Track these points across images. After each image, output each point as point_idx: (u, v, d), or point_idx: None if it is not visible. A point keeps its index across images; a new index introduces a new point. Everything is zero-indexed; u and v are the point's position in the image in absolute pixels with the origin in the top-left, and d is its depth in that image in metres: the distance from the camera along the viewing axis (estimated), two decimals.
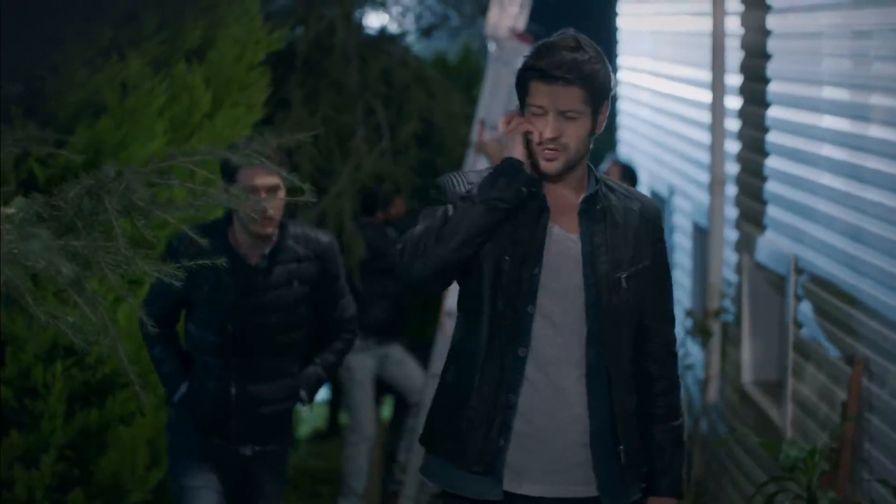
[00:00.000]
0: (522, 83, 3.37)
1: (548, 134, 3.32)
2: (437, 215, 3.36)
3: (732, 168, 6.82)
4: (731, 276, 6.81)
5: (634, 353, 3.50)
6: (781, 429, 5.88)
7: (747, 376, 6.58)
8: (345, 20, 7.82)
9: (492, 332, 3.40)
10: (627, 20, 10.00)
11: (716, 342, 6.92)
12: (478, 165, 6.73)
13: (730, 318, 6.81)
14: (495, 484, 3.41)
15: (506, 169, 3.35)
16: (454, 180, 3.45)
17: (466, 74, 9.09)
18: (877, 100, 4.94)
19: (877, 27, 4.96)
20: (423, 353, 7.26)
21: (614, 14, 10.17)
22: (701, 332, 6.93)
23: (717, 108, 6.77)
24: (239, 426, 4.52)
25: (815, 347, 5.55)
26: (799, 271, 5.77)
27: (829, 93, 5.45)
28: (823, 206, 5.48)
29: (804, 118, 5.74)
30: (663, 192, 8.52)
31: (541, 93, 3.33)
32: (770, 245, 6.18)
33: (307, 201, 3.30)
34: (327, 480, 7.82)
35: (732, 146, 6.81)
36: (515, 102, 3.47)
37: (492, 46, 7.36)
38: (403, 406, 7.49)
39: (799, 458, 4.78)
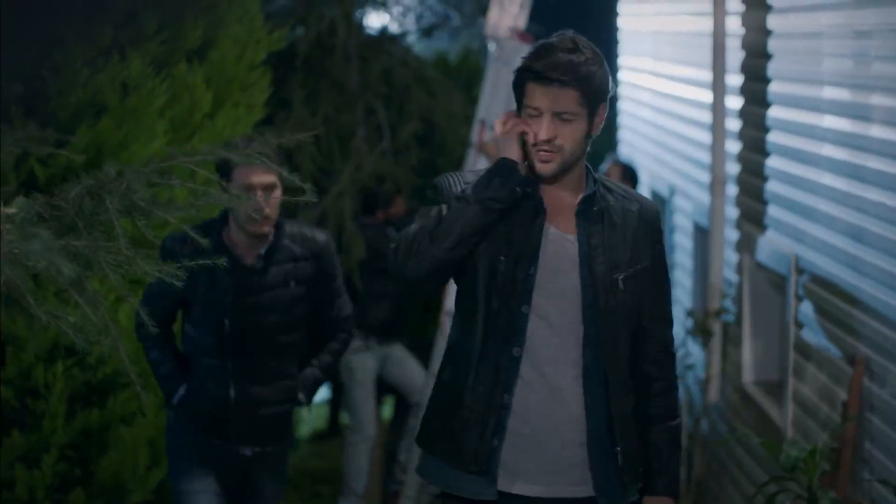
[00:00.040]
0: (519, 84, 3.37)
1: (542, 135, 3.33)
2: (431, 215, 3.37)
3: (733, 168, 6.82)
4: (732, 276, 6.81)
5: (632, 354, 3.50)
6: (782, 429, 5.88)
7: (748, 376, 6.58)
8: (345, 20, 7.82)
9: (486, 332, 3.40)
10: (628, 20, 10.00)
11: (716, 342, 6.92)
12: (478, 165, 6.73)
13: (730, 318, 6.81)
14: (490, 484, 3.42)
15: (500, 169, 3.35)
16: (451, 180, 3.45)
17: (467, 74, 9.08)
18: (877, 100, 4.94)
19: (877, 27, 4.96)
20: (423, 353, 7.26)
21: (615, 14, 10.16)
22: (702, 332, 6.93)
23: (717, 108, 6.77)
24: (238, 427, 4.50)
25: (816, 347, 5.55)
26: (800, 271, 5.77)
27: (830, 93, 5.45)
28: (824, 206, 5.48)
29: (805, 118, 5.74)
30: (664, 191, 8.52)
31: (537, 94, 3.33)
32: (771, 245, 6.17)
33: (308, 201, 3.30)
34: (328, 480, 7.82)
35: (733, 146, 6.81)
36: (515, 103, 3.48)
37: (492, 46, 7.35)
38: (404, 406, 7.49)
39: (800, 458, 4.78)
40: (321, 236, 4.60)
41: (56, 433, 5.16)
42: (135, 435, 5.29)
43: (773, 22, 6.20)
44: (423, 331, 7.97)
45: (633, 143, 9.72)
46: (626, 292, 3.41)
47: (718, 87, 6.76)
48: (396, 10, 8.62)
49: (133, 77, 5.36)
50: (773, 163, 6.20)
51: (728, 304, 6.85)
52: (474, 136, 7.20)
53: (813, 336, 5.59)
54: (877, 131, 4.93)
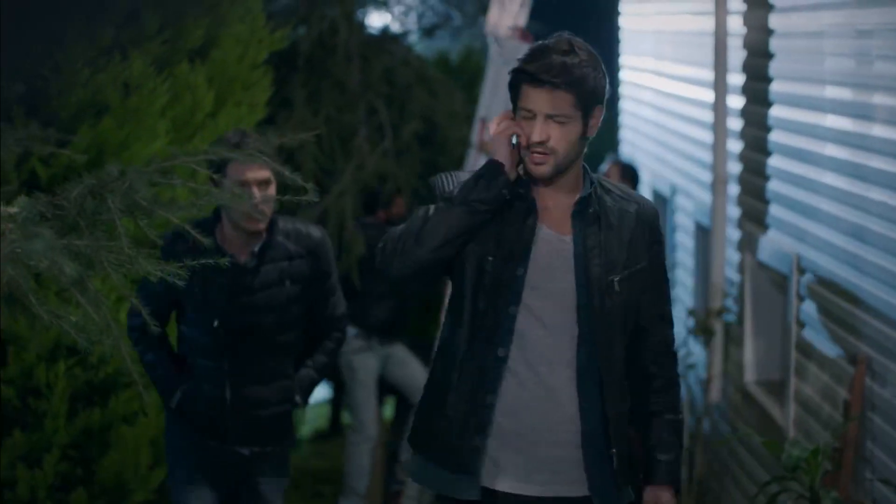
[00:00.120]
0: (514, 86, 3.37)
1: (535, 138, 3.32)
2: (418, 215, 3.38)
3: (735, 167, 6.82)
4: (734, 276, 6.81)
5: (632, 353, 3.51)
6: (784, 428, 5.88)
7: (750, 376, 6.58)
8: (347, 20, 7.82)
9: (472, 332, 3.41)
10: (630, 19, 10.00)
11: (718, 342, 6.91)
12: (479, 165, 6.72)
13: (732, 317, 6.81)
14: (472, 483, 3.42)
15: (486, 171, 3.36)
16: (444, 180, 3.46)
17: (468, 74, 9.07)
18: (879, 99, 4.94)
19: (879, 26, 4.96)
20: (425, 352, 7.25)
21: (616, 13, 10.16)
22: (703, 331, 6.93)
23: (719, 108, 6.77)
24: (235, 428, 4.44)
25: (818, 347, 5.55)
26: (801, 271, 5.77)
27: (832, 92, 5.44)
28: (826, 205, 5.48)
29: (806, 117, 5.74)
30: (665, 191, 8.52)
31: (530, 96, 3.33)
32: (772, 244, 6.17)
33: (310, 201, 3.30)
34: (329, 480, 7.82)
35: (735, 145, 6.80)
36: None
37: (492, 45, 7.35)
38: (406, 406, 7.48)
39: (801, 457, 4.78)
40: (316, 232, 4.51)
41: (58, 433, 5.15)
42: (136, 434, 5.29)
43: (774, 21, 6.20)
44: (424, 330, 7.97)
45: (634, 142, 9.72)
46: (621, 293, 3.41)
47: (720, 87, 6.76)
48: (398, 9, 8.62)
49: (135, 77, 5.36)
50: (774, 162, 6.20)
51: (730, 303, 6.85)
52: (475, 135, 7.20)
53: (815, 335, 5.59)
54: (878, 130, 4.93)
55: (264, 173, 4.24)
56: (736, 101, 6.76)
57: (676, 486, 3.52)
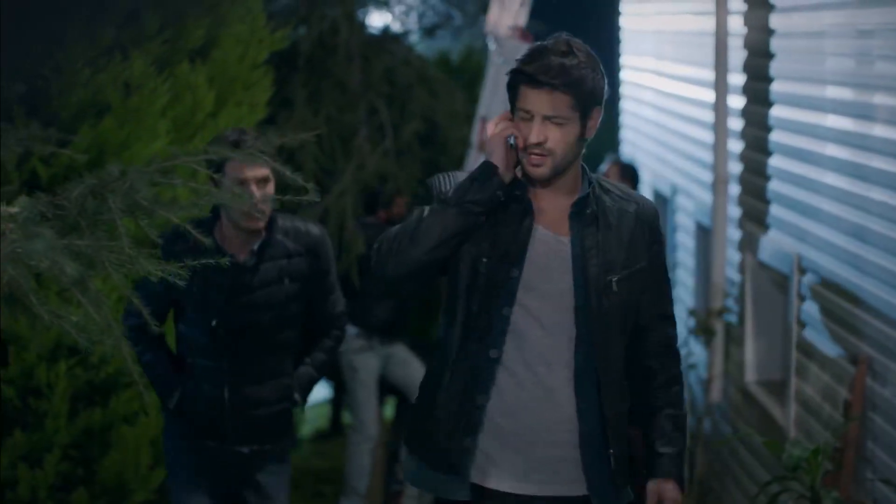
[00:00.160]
0: (512, 86, 3.37)
1: (532, 139, 3.32)
2: (413, 216, 3.38)
3: (735, 167, 6.82)
4: (735, 276, 6.81)
5: (633, 352, 3.50)
6: (785, 428, 5.88)
7: (750, 376, 6.58)
8: (348, 19, 7.82)
9: (465, 333, 3.41)
10: (630, 19, 10.00)
11: (719, 342, 6.91)
12: (478, 165, 6.71)
13: (733, 317, 6.81)
14: (461, 484, 3.42)
15: (481, 173, 3.35)
16: (442, 180, 3.46)
17: (469, 74, 9.07)
18: (880, 99, 4.93)
19: (880, 26, 4.96)
20: (425, 353, 7.25)
21: (617, 13, 10.16)
22: (704, 331, 6.93)
23: (720, 108, 6.76)
24: (234, 428, 4.42)
25: (819, 347, 5.54)
26: (802, 271, 5.76)
27: (833, 92, 5.44)
28: (827, 205, 5.48)
29: (807, 117, 5.74)
30: (666, 191, 8.52)
31: (528, 97, 3.32)
32: (773, 244, 6.17)
33: (310, 200, 3.30)
34: (330, 480, 7.82)
35: (735, 145, 6.80)
36: None
37: (492, 44, 7.35)
38: (406, 406, 7.48)
39: (802, 457, 4.78)
40: (315, 230, 4.48)
41: (58, 433, 5.15)
42: (137, 434, 5.29)
43: (775, 21, 6.20)
44: (424, 330, 7.97)
45: (635, 142, 9.72)
46: (619, 294, 3.41)
47: (721, 87, 6.76)
48: (398, 9, 8.61)
49: (135, 76, 5.36)
50: (775, 162, 6.20)
51: (730, 303, 6.85)
52: (475, 135, 7.20)
53: (815, 335, 5.59)
54: (879, 130, 4.93)
55: (263, 171, 4.22)
56: (737, 101, 6.76)
57: (680, 479, 3.50)
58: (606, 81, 3.39)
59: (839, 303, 5.29)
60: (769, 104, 6.25)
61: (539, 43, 3.39)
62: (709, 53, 6.88)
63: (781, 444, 5.06)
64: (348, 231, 7.34)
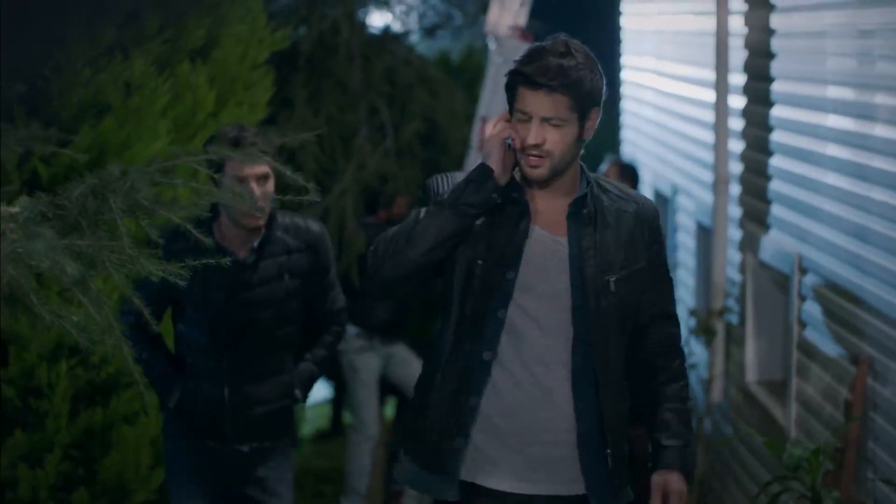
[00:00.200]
0: (510, 88, 3.36)
1: (530, 141, 3.32)
2: (409, 218, 3.38)
3: (736, 167, 6.82)
4: (735, 276, 6.80)
5: (636, 351, 3.50)
6: (785, 428, 5.87)
7: (751, 376, 6.58)
8: (348, 19, 7.82)
9: (458, 335, 3.41)
10: (631, 19, 10.00)
11: (719, 342, 6.91)
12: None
13: (734, 317, 6.81)
14: (451, 484, 3.43)
15: (476, 175, 3.35)
16: (439, 181, 3.46)
17: (470, 74, 9.07)
18: (881, 99, 4.93)
19: (881, 26, 4.96)
20: (426, 353, 7.25)
21: (618, 13, 10.16)
22: (705, 331, 6.92)
23: (720, 108, 6.76)
24: (234, 427, 4.41)
25: (820, 347, 5.54)
26: (803, 271, 5.76)
27: (833, 92, 5.44)
28: (828, 205, 5.47)
29: (808, 117, 5.73)
30: (667, 191, 8.52)
31: (526, 99, 3.32)
32: (774, 244, 6.17)
33: (311, 200, 3.30)
34: (330, 480, 7.82)
35: (736, 145, 6.80)
36: None
37: (492, 44, 7.35)
38: (407, 406, 7.49)
39: (803, 457, 4.77)
40: (315, 226, 4.47)
41: (59, 433, 5.15)
42: (138, 434, 5.29)
43: (776, 21, 6.20)
44: (425, 330, 7.97)
45: (636, 142, 9.72)
46: (617, 294, 3.40)
47: (721, 87, 6.76)
48: (399, 9, 8.61)
49: (136, 76, 5.36)
50: (776, 162, 6.20)
51: (731, 303, 6.85)
52: (475, 135, 7.20)
53: (816, 335, 5.59)
54: (880, 130, 4.92)
55: (263, 168, 4.21)
56: (737, 101, 6.75)
57: (686, 471, 3.47)
58: (605, 82, 3.39)
59: (840, 303, 5.29)
60: (770, 104, 6.24)
61: (537, 44, 3.39)
62: (709, 53, 6.87)
63: (782, 444, 5.06)
64: (348, 230, 7.34)
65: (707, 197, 7.19)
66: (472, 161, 7.02)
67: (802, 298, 5.77)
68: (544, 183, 3.39)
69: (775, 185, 6.20)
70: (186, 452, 4.48)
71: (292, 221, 4.43)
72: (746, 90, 6.67)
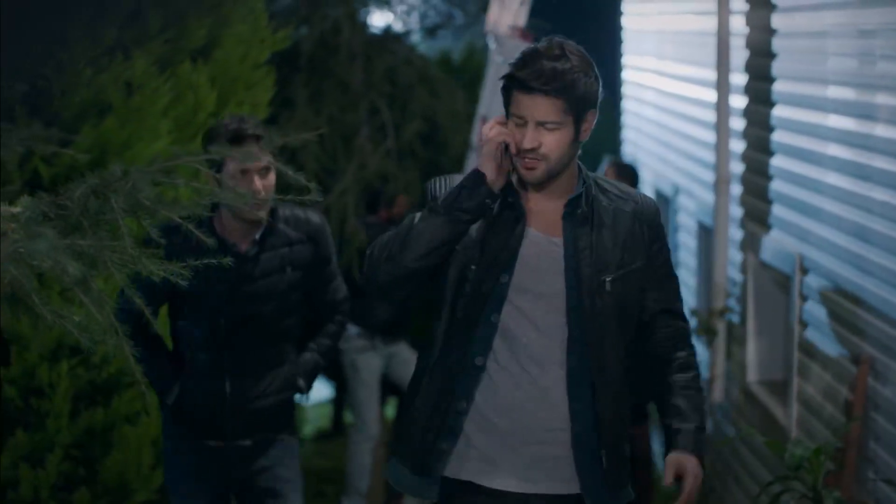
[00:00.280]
0: (506, 91, 3.36)
1: (525, 145, 3.31)
2: (405, 222, 3.39)
3: (737, 167, 6.82)
4: (736, 276, 6.80)
5: (644, 347, 3.48)
6: (787, 428, 5.87)
7: (752, 376, 6.58)
8: (349, 19, 7.82)
9: (447, 338, 3.41)
10: (632, 19, 10.00)
11: (721, 341, 6.91)
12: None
13: (735, 317, 6.81)
14: (431, 486, 3.45)
15: (470, 181, 3.34)
16: (437, 184, 3.45)
17: (471, 73, 9.07)
18: (882, 99, 4.93)
19: (882, 26, 4.96)
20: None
21: (619, 13, 10.16)
22: (706, 331, 6.92)
23: (722, 108, 6.76)
24: (235, 423, 4.38)
25: (821, 347, 5.54)
26: (804, 271, 5.76)
27: (835, 92, 5.44)
28: (829, 205, 5.47)
29: (809, 117, 5.74)
30: (668, 191, 8.52)
31: (521, 103, 3.31)
32: (775, 244, 6.17)
33: (313, 200, 3.29)
34: (332, 480, 7.82)
35: (737, 145, 6.80)
36: None
37: (492, 43, 7.35)
38: None
39: (804, 457, 4.77)
40: (315, 218, 4.46)
41: (60, 433, 5.15)
42: (139, 434, 5.29)
43: (777, 21, 6.20)
44: (426, 330, 7.96)
45: (636, 142, 9.72)
46: (612, 294, 3.39)
47: (723, 87, 6.76)
48: (400, 8, 8.61)
49: (137, 76, 5.36)
50: (777, 162, 6.20)
51: (732, 303, 6.85)
52: (475, 135, 7.20)
53: (817, 335, 5.59)
54: (881, 130, 4.92)
55: (264, 160, 4.21)
56: (738, 101, 6.75)
57: (699, 455, 3.42)
58: (601, 83, 3.37)
59: (841, 303, 5.29)
60: (771, 104, 6.24)
61: (531, 46, 3.38)
62: (711, 53, 6.87)
63: (783, 443, 5.06)
64: (349, 227, 7.35)
65: (708, 197, 7.19)
66: (473, 161, 7.02)
67: (803, 298, 5.78)
68: (540, 185, 3.39)
69: (776, 185, 6.20)
70: (186, 453, 4.47)
71: (292, 213, 4.42)
72: (747, 90, 6.67)
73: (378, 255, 3.37)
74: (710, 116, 7.01)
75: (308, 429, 9.28)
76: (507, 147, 3.33)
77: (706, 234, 7.53)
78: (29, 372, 5.15)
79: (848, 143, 5.27)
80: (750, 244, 6.58)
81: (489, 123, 3.38)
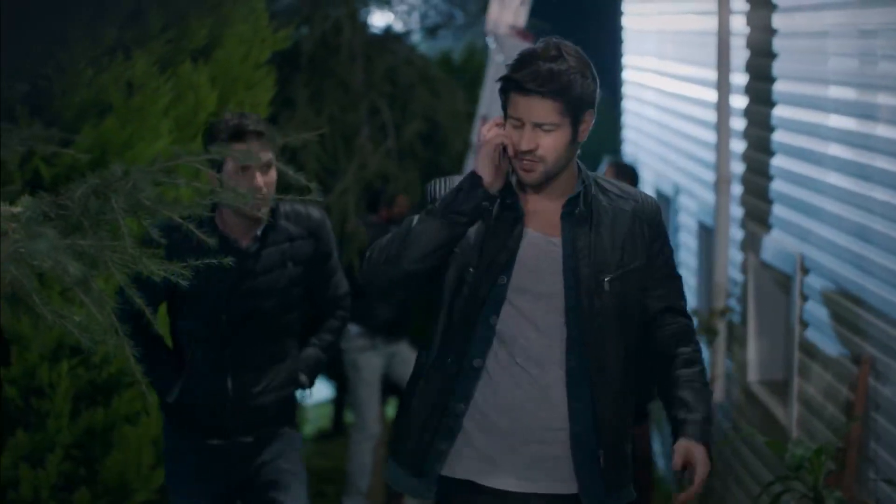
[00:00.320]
0: (503, 93, 3.36)
1: (522, 147, 3.31)
2: (403, 224, 3.39)
3: (738, 167, 6.82)
4: (737, 276, 6.80)
5: (648, 344, 3.47)
6: (787, 428, 5.87)
7: (753, 376, 6.57)
8: (350, 19, 7.82)
9: (444, 340, 3.42)
10: (632, 19, 10.00)
11: (721, 341, 6.91)
12: None
13: (735, 317, 6.81)
14: (427, 486, 3.46)
15: (466, 183, 3.34)
16: (437, 186, 3.46)
17: (471, 73, 9.08)
18: (883, 99, 4.93)
19: (882, 26, 4.96)
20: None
21: (619, 13, 10.16)
22: (706, 331, 6.92)
23: (722, 108, 6.76)
24: (236, 420, 4.37)
25: (822, 347, 5.54)
26: (805, 270, 5.76)
27: (835, 92, 5.44)
28: (829, 205, 5.47)
29: (810, 117, 5.73)
30: (669, 191, 8.52)
31: (518, 104, 3.31)
32: (776, 244, 6.17)
33: (314, 200, 3.30)
34: (332, 480, 7.82)
35: (738, 145, 6.80)
36: None
37: (492, 43, 7.35)
38: None
39: (805, 457, 4.77)
40: (316, 213, 4.44)
41: (61, 432, 5.16)
42: (139, 434, 5.29)
43: (777, 21, 6.20)
44: (426, 330, 7.96)
45: (637, 142, 9.72)
46: (611, 294, 3.38)
47: (723, 87, 6.75)
48: (401, 8, 8.62)
49: (138, 76, 5.36)
50: (778, 162, 6.20)
51: (733, 303, 6.85)
52: (475, 135, 7.20)
53: (818, 335, 5.59)
54: (882, 130, 4.92)
55: (266, 157, 4.20)
56: (739, 101, 6.75)
57: (707, 444, 3.39)
58: (598, 84, 3.37)
59: (842, 303, 5.28)
60: (772, 104, 6.24)
61: (529, 48, 3.38)
62: (711, 53, 6.87)
63: (784, 443, 5.06)
64: (350, 225, 7.36)
65: (709, 197, 7.19)
66: (472, 162, 7.02)
67: (804, 298, 5.77)
68: (538, 186, 3.39)
69: (777, 185, 6.20)
70: (187, 453, 4.46)
71: (293, 209, 4.41)
72: (748, 90, 6.67)
73: (377, 258, 3.37)
74: (711, 116, 7.01)
75: (308, 429, 9.28)
76: (504, 149, 3.33)
77: (707, 234, 7.52)
78: (29, 372, 5.15)
79: (849, 143, 5.26)
80: (750, 244, 6.58)
81: (487, 125, 3.38)
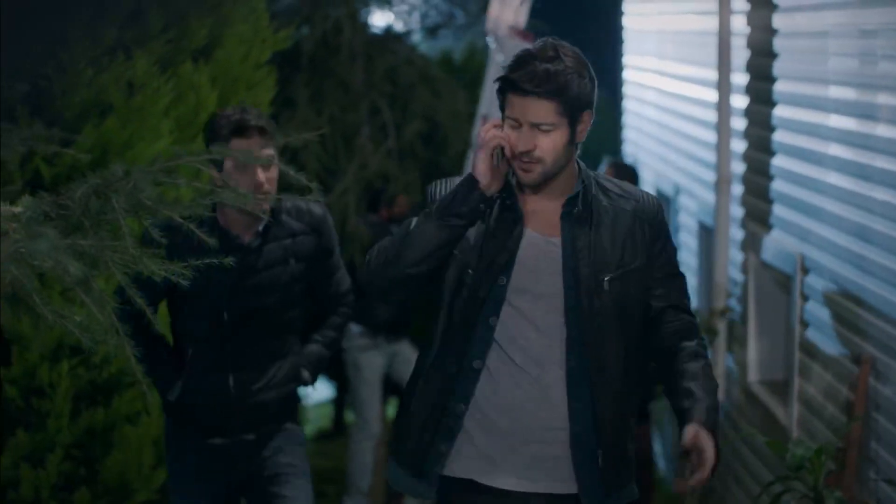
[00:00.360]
0: (500, 94, 3.36)
1: (520, 148, 3.31)
2: (402, 227, 3.39)
3: (738, 167, 6.82)
4: (737, 276, 6.80)
5: (652, 342, 3.46)
6: (787, 428, 5.87)
7: (753, 376, 6.58)
8: (351, 19, 7.83)
9: (444, 341, 3.42)
10: (633, 19, 10.00)
11: (721, 341, 6.91)
12: None
13: (736, 317, 6.81)
14: (428, 486, 3.46)
15: (463, 186, 3.34)
16: (438, 188, 3.46)
17: (472, 73, 9.07)
18: (883, 99, 4.93)
19: (883, 26, 4.96)
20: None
21: (619, 13, 10.16)
22: (707, 331, 6.92)
23: (723, 107, 6.76)
24: (238, 418, 4.36)
25: (822, 347, 5.54)
26: (805, 270, 5.76)
27: (836, 92, 5.44)
28: (830, 205, 5.47)
29: (810, 117, 5.73)
30: (669, 191, 8.52)
31: (515, 105, 3.31)
32: (776, 244, 6.17)
33: (315, 200, 3.30)
34: (333, 480, 7.82)
35: (738, 145, 6.80)
36: None
37: (492, 43, 7.35)
38: None
39: (805, 457, 4.77)
40: (318, 209, 4.43)
41: (61, 432, 5.16)
42: (140, 434, 5.29)
43: (778, 21, 6.20)
44: (427, 330, 7.96)
45: (638, 142, 9.72)
46: (611, 293, 3.38)
47: (724, 86, 6.76)
48: (401, 8, 8.62)
49: (138, 76, 5.36)
50: (778, 162, 6.20)
51: (733, 303, 6.85)
52: (475, 135, 7.20)
53: (818, 335, 5.59)
54: (882, 130, 4.92)
55: (268, 153, 4.19)
56: (739, 101, 6.75)
57: (713, 430, 3.35)
58: (596, 84, 3.36)
59: (842, 303, 5.29)
60: (772, 104, 6.24)
61: (526, 48, 3.38)
62: (712, 53, 6.87)
63: (784, 443, 5.06)
64: (350, 224, 7.36)
65: (709, 197, 7.19)
66: (472, 162, 7.02)
67: (804, 298, 5.77)
68: (537, 187, 3.39)
69: (777, 185, 6.20)
70: (188, 453, 4.46)
71: (294, 205, 4.40)
72: (749, 90, 6.67)
73: (376, 260, 3.38)
74: (711, 116, 7.01)
75: (309, 429, 9.28)
76: (503, 150, 3.33)
77: (707, 234, 7.53)
78: (30, 372, 5.15)
79: (849, 143, 5.27)
80: (751, 244, 6.58)
81: (485, 127, 3.38)
